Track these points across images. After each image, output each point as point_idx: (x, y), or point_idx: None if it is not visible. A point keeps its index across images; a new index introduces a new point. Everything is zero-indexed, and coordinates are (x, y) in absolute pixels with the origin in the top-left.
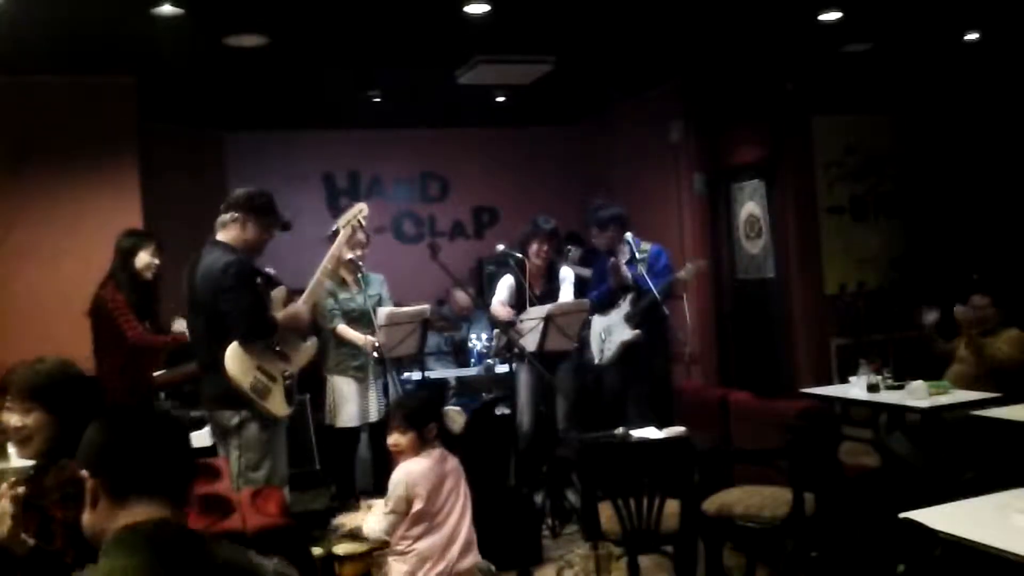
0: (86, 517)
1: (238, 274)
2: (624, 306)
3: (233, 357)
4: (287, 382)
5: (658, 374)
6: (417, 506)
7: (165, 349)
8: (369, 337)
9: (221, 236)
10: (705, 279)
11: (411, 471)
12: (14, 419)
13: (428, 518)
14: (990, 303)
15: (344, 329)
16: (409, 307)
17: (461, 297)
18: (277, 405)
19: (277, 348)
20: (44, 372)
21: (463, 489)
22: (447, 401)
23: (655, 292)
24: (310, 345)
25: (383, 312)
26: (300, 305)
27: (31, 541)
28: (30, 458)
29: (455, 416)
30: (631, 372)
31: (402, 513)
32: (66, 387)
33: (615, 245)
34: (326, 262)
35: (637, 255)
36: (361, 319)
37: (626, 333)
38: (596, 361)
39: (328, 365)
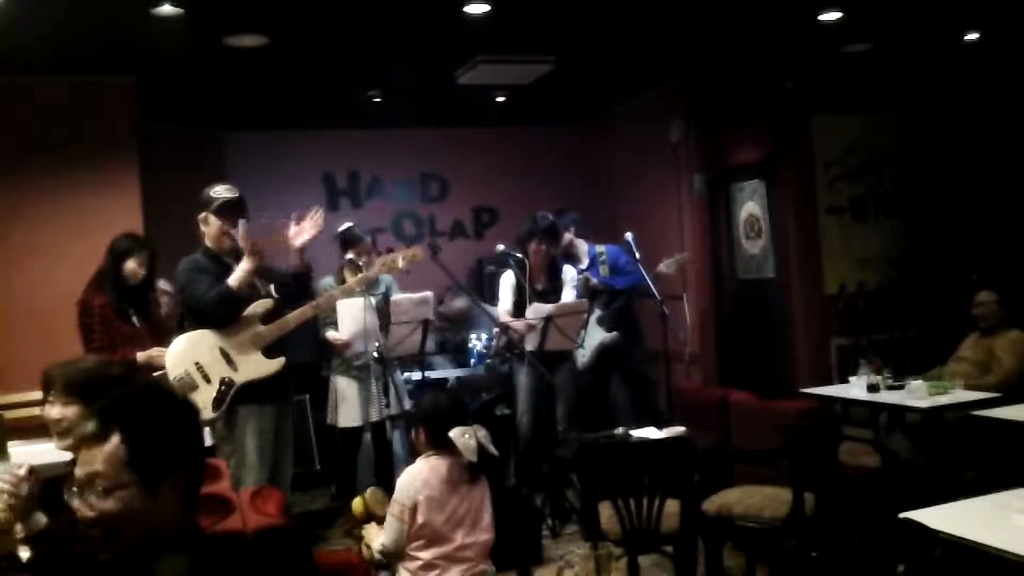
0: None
1: (183, 271)
2: (595, 311)
3: (175, 346)
4: (222, 388)
5: (637, 371)
6: (423, 515)
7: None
8: (341, 338)
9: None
10: (705, 279)
11: (414, 477)
12: (54, 411)
13: (432, 526)
14: (995, 300)
15: (332, 335)
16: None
17: (458, 305)
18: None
19: (226, 353)
20: (82, 369)
21: (478, 496)
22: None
23: (650, 285)
24: (274, 363)
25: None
26: (271, 328)
27: (43, 520)
28: (66, 450)
29: (459, 437)
30: (611, 373)
31: (405, 522)
32: (103, 384)
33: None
34: (348, 287)
35: (599, 259)
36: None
37: (599, 336)
38: (579, 366)
39: (333, 366)
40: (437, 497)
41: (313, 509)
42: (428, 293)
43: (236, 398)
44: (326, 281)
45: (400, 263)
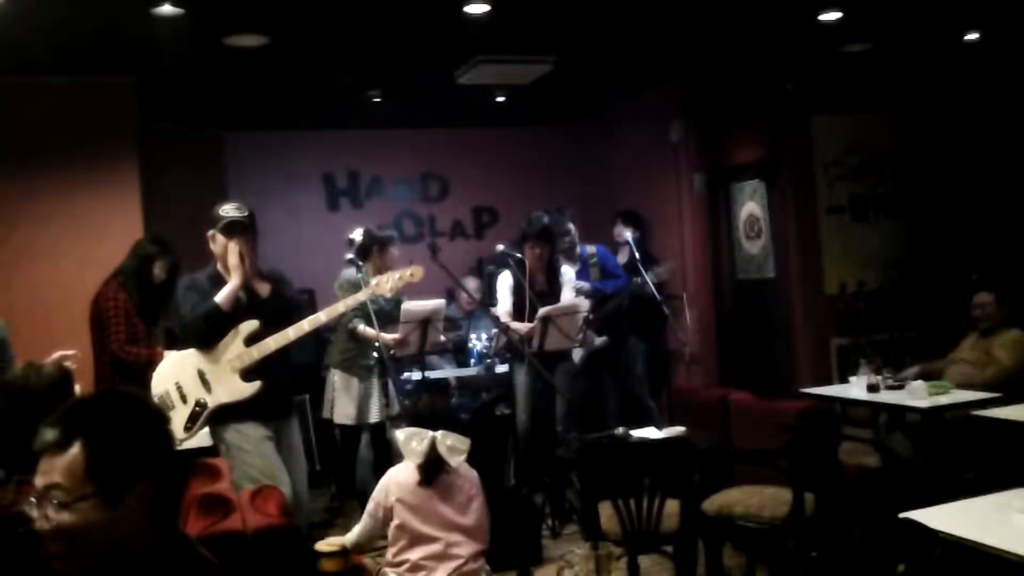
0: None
1: (179, 288)
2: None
3: (162, 365)
4: (196, 409)
5: (630, 373)
6: (399, 516)
7: (140, 363)
8: (384, 335)
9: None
10: (705, 279)
11: (391, 479)
12: None
13: (411, 528)
14: (993, 301)
15: (364, 329)
16: (425, 301)
17: (464, 297)
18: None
19: (203, 375)
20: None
21: (464, 498)
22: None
23: (651, 286)
24: (249, 386)
25: (403, 307)
26: (252, 351)
27: None
28: None
29: (404, 439)
30: (603, 377)
31: (379, 520)
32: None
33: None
34: (340, 305)
35: (589, 261)
36: (377, 318)
37: (590, 341)
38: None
39: (333, 360)
40: (411, 499)
41: (313, 509)
42: (441, 301)
43: (220, 417)
44: (349, 274)
45: (389, 285)
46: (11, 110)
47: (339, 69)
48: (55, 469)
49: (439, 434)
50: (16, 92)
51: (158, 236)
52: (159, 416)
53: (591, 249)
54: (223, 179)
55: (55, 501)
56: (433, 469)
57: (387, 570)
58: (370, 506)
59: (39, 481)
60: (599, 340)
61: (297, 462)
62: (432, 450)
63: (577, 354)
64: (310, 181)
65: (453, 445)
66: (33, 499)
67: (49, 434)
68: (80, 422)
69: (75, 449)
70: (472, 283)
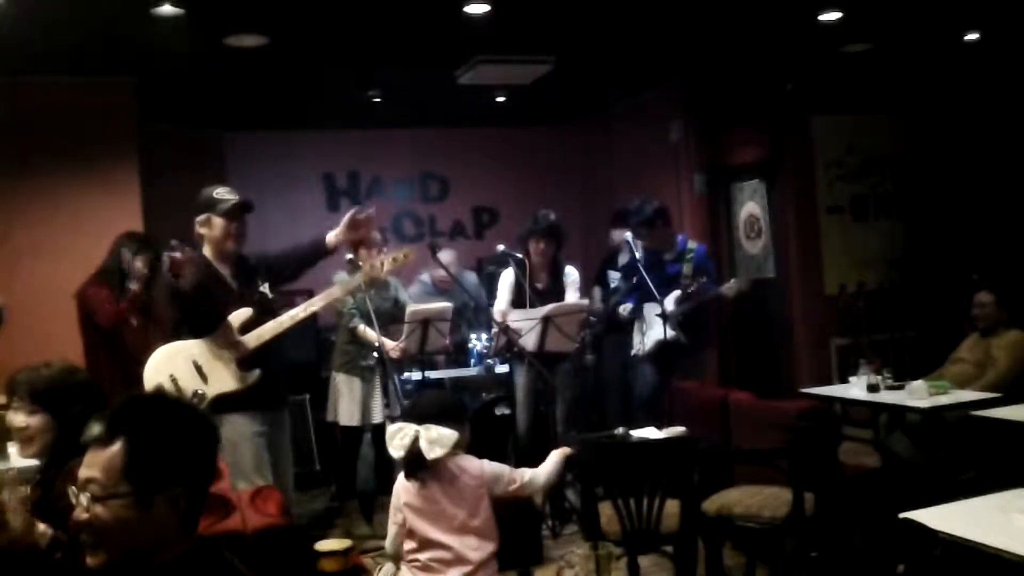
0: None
1: (166, 288)
2: (668, 304)
3: (154, 358)
4: (194, 400)
5: (695, 376)
6: (408, 519)
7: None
8: (386, 340)
9: (199, 240)
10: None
11: (399, 484)
12: (18, 419)
13: (419, 531)
14: (993, 302)
15: (365, 330)
16: (432, 304)
17: (440, 273)
18: None
19: (199, 366)
20: (48, 376)
21: (474, 498)
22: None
23: (718, 291)
24: (248, 375)
25: (408, 309)
26: (247, 339)
27: (49, 531)
28: (30, 457)
29: (391, 433)
30: (671, 373)
31: (399, 524)
32: (68, 392)
33: (666, 241)
34: (336, 290)
35: (686, 255)
36: (372, 319)
37: (659, 331)
38: (633, 352)
39: (335, 363)
40: (416, 502)
41: (313, 509)
42: (448, 304)
43: (214, 408)
44: (339, 276)
45: (384, 267)
46: (11, 110)
47: (339, 69)
48: (96, 463)
49: (422, 428)
50: (16, 92)
51: (134, 233)
52: (207, 423)
53: (691, 245)
54: (223, 179)
55: (90, 494)
56: (414, 464)
57: (403, 564)
58: (391, 512)
59: (82, 472)
60: (672, 333)
61: (285, 460)
62: (414, 444)
63: (647, 343)
64: (310, 181)
65: (435, 438)
66: (74, 489)
67: (96, 428)
68: (126, 421)
69: (117, 447)
70: (447, 256)
